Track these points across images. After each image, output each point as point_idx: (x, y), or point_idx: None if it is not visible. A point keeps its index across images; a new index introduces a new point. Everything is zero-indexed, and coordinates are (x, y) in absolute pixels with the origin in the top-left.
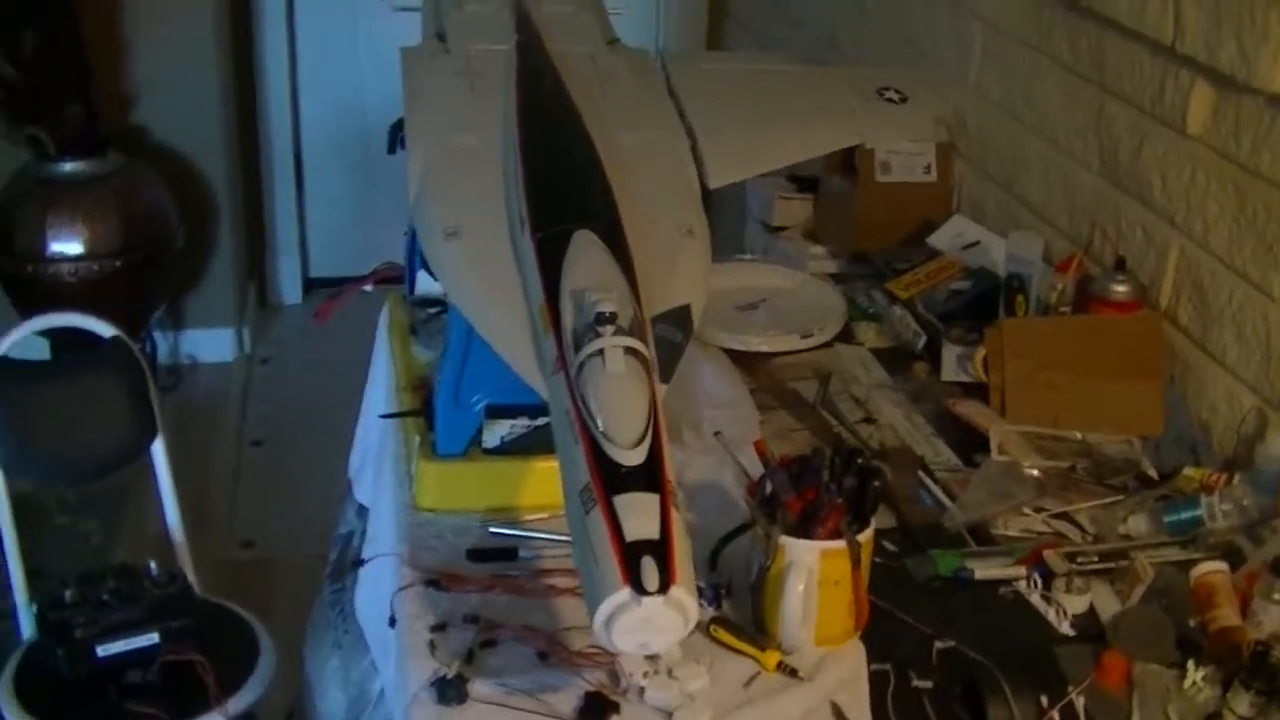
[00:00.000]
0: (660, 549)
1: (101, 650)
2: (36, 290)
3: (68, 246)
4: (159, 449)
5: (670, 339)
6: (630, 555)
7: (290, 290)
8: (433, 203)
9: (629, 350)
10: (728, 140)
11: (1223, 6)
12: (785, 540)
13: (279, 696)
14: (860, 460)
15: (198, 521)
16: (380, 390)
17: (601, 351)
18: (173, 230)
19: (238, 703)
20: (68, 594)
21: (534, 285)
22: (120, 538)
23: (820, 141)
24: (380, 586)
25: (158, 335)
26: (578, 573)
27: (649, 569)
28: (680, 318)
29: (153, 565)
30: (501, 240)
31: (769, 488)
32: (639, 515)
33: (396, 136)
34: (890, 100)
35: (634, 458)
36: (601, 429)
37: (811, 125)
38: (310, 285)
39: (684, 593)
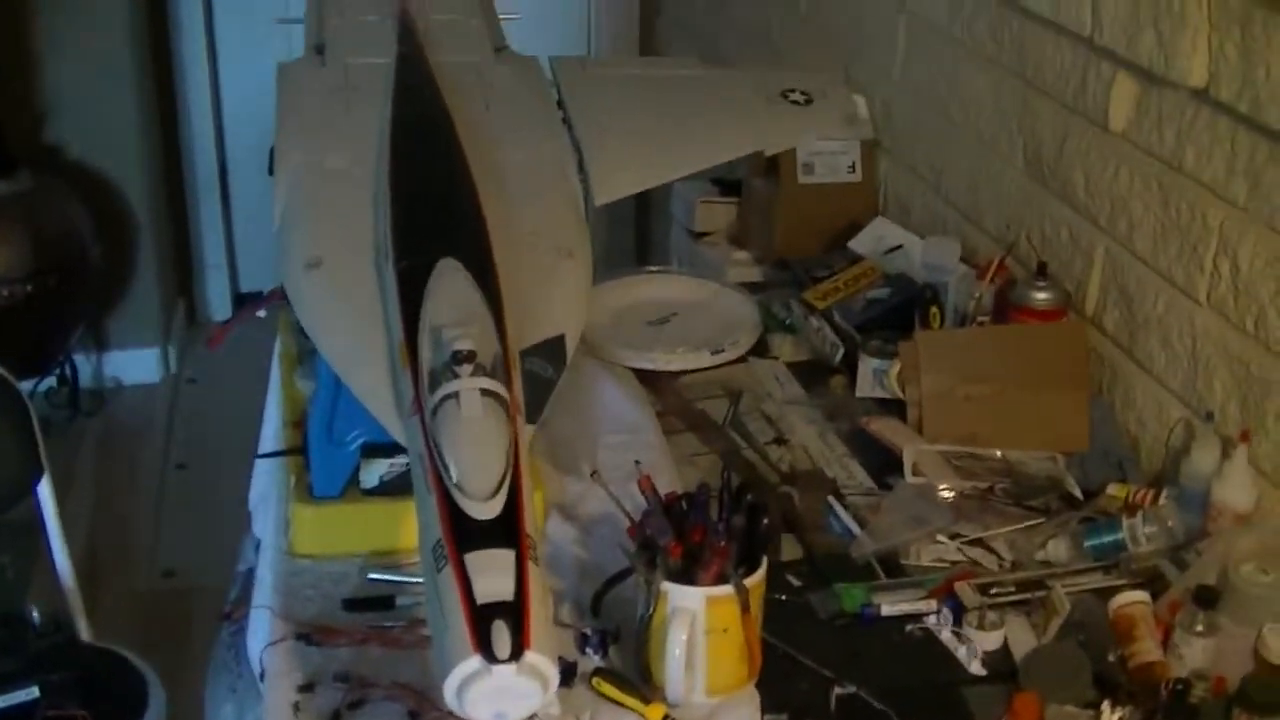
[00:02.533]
0: (514, 611)
1: None
2: None
3: None
4: (45, 490)
5: (540, 374)
6: (481, 619)
7: (220, 306)
8: (295, 230)
9: (486, 392)
10: (617, 153)
11: None
12: (667, 587)
13: None
14: (750, 496)
15: (118, 550)
16: (272, 425)
17: (457, 394)
18: (88, 251)
19: None
20: None
21: (395, 319)
22: (36, 573)
23: (716, 151)
24: (257, 638)
25: (80, 358)
26: (430, 635)
27: (500, 634)
28: (552, 350)
29: (35, 612)
30: (365, 271)
31: (649, 530)
32: (492, 574)
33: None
34: (795, 103)
35: (488, 510)
36: (454, 479)
37: (708, 133)
38: (242, 300)
39: (540, 658)
